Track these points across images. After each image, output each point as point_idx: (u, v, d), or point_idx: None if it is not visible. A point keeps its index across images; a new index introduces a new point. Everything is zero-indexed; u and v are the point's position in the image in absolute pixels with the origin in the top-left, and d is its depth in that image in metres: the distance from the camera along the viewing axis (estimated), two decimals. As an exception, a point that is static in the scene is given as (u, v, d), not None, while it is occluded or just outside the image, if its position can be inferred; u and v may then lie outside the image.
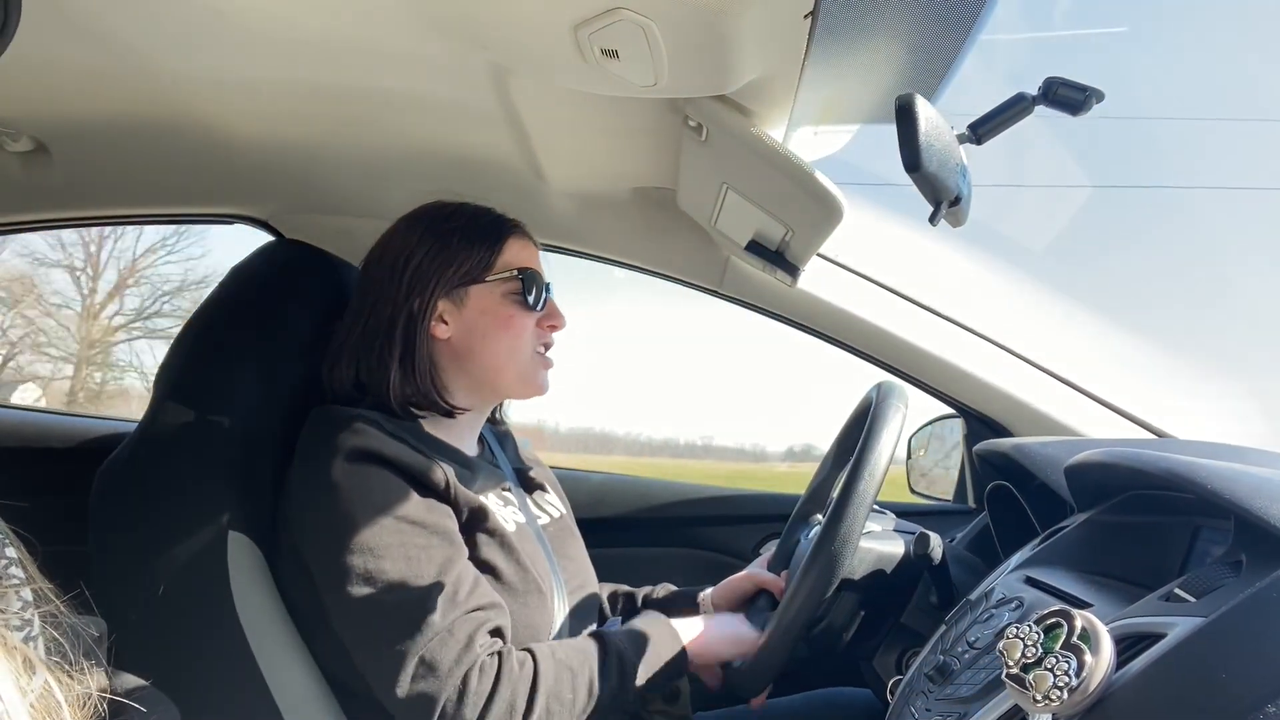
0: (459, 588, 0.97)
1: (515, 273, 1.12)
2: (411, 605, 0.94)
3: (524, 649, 1.00)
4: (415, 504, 1.00)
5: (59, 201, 1.45)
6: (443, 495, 1.03)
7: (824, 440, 1.38)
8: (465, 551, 1.02)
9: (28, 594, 0.54)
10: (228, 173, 1.36)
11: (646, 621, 1.11)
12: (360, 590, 0.95)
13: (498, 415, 1.29)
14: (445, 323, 1.11)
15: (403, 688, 0.93)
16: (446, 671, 0.93)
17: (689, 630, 1.11)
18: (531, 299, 1.13)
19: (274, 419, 1.12)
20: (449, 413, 1.12)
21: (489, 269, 1.12)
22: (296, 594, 1.03)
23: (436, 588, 0.95)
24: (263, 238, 1.52)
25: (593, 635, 1.06)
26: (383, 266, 1.12)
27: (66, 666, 0.52)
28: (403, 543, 0.97)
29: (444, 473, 1.03)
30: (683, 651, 1.09)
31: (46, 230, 1.52)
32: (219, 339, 1.14)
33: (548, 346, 1.17)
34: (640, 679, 1.04)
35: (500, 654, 0.97)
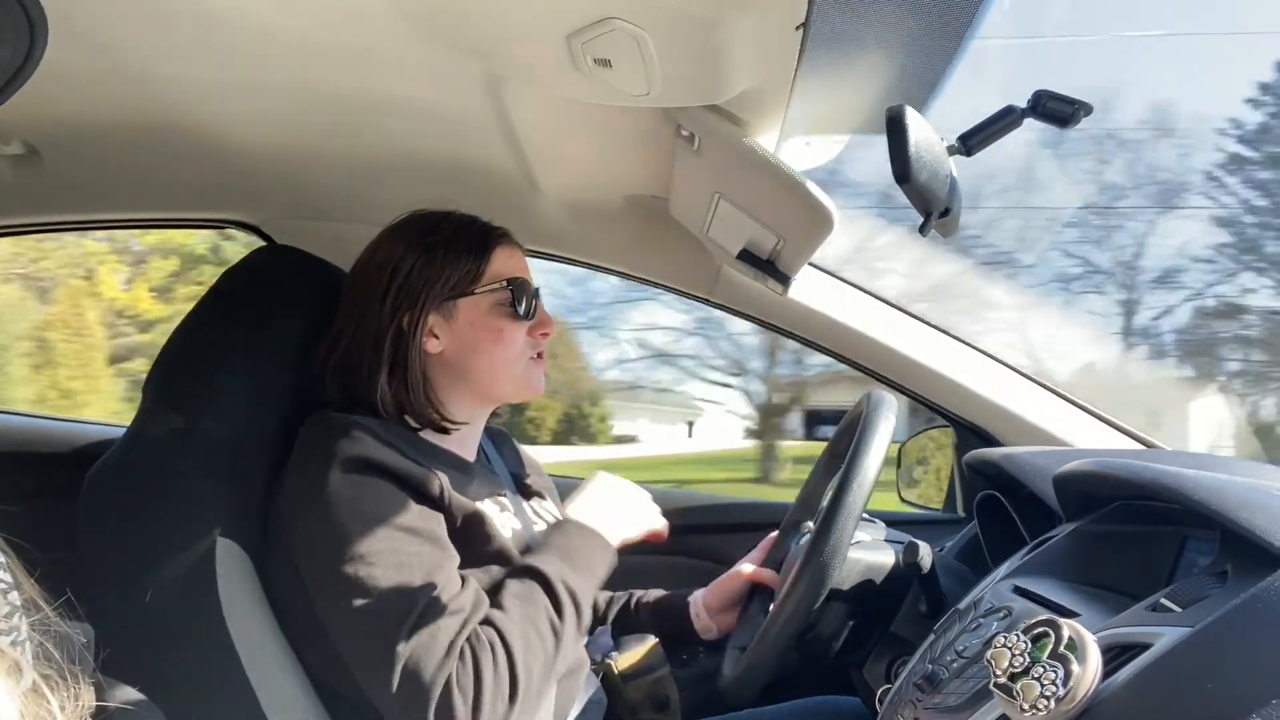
0: (444, 592, 0.97)
1: (504, 284, 1.12)
2: (399, 611, 0.94)
3: (486, 622, 0.98)
4: (408, 512, 0.99)
5: (50, 205, 1.45)
6: (436, 503, 1.02)
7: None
8: (456, 558, 1.01)
9: (15, 599, 0.53)
10: (220, 178, 1.35)
11: (564, 534, 1.10)
12: (350, 597, 0.95)
13: (497, 409, 1.29)
14: (436, 337, 1.11)
15: (391, 691, 0.93)
16: (430, 677, 0.93)
17: (587, 515, 1.13)
18: (521, 309, 1.12)
19: (264, 425, 1.11)
20: (443, 429, 1.12)
21: (477, 280, 1.11)
22: (289, 601, 1.03)
23: (423, 593, 0.95)
24: (255, 243, 1.52)
25: (530, 573, 1.04)
26: (368, 280, 1.11)
27: (54, 672, 0.52)
28: (394, 549, 0.97)
29: (439, 480, 1.02)
30: (604, 541, 1.10)
31: (36, 234, 1.52)
32: (210, 344, 1.14)
33: (540, 352, 1.17)
34: (588, 594, 1.05)
35: (472, 645, 0.96)
